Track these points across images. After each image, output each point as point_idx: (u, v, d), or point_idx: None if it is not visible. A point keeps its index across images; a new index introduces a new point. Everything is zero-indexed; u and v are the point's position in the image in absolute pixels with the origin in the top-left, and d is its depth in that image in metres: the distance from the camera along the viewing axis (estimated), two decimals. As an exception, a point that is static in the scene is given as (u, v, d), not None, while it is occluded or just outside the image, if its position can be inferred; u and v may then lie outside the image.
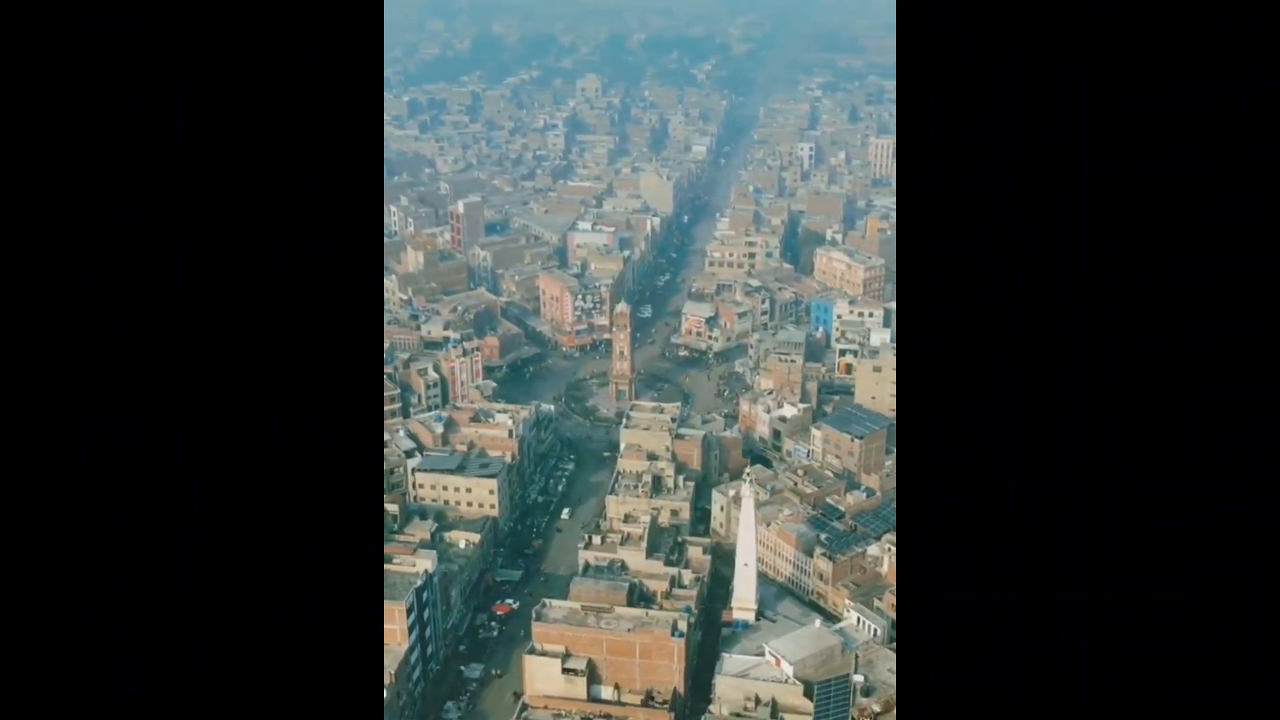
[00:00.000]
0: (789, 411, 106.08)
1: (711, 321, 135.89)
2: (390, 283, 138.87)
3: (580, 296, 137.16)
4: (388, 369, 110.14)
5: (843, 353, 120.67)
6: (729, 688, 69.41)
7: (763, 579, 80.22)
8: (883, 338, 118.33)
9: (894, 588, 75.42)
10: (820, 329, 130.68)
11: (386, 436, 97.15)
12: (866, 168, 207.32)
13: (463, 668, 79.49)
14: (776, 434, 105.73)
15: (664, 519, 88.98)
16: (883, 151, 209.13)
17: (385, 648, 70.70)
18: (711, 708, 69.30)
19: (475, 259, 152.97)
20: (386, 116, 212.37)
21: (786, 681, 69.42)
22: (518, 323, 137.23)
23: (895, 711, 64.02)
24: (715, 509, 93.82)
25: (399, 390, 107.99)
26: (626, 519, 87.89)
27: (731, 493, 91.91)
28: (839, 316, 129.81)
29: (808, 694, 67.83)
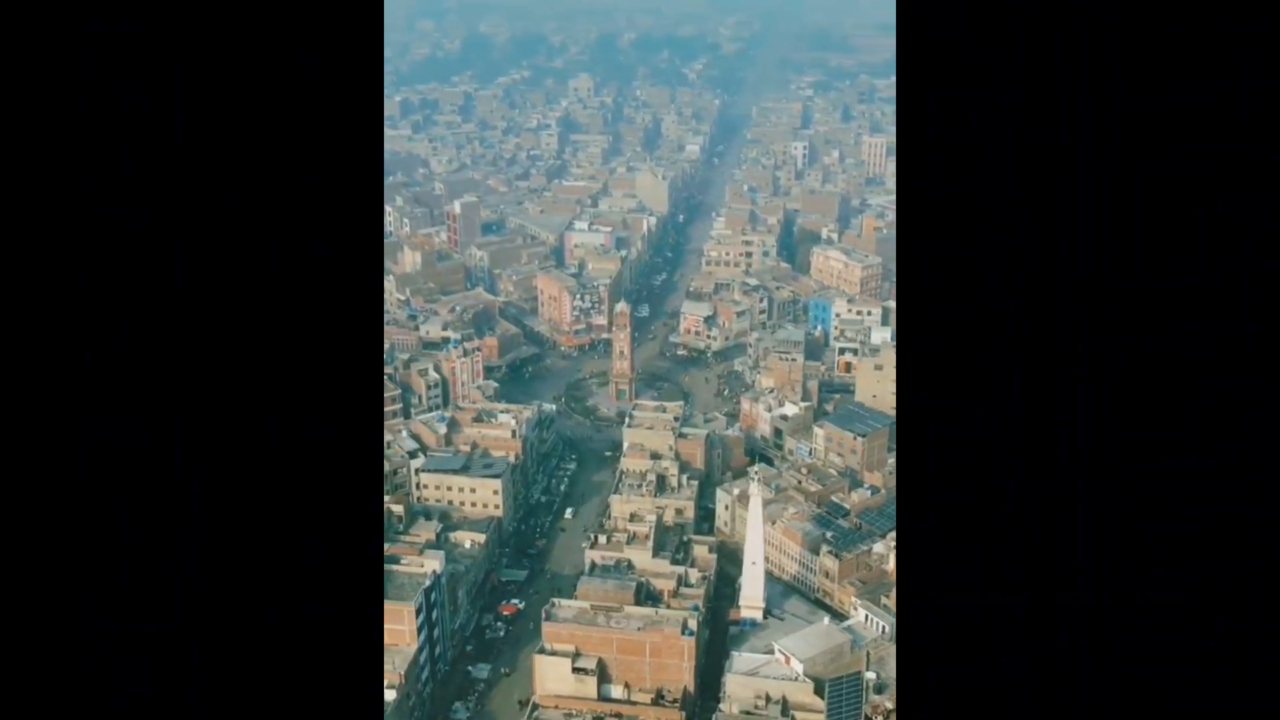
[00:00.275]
0: (790, 410, 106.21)
1: (710, 321, 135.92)
2: (388, 283, 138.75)
3: (579, 296, 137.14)
4: (388, 370, 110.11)
5: (842, 351, 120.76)
6: (739, 686, 69.45)
7: (768, 577, 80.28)
8: (884, 336, 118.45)
9: (897, 586, 75.01)
10: (819, 328, 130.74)
11: (390, 437, 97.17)
12: (860, 166, 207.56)
13: (470, 668, 79.55)
14: (778, 432, 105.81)
15: (668, 518, 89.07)
16: (876, 150, 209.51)
17: (395, 648, 70.93)
18: (722, 706, 69.32)
19: (472, 259, 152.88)
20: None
21: (796, 679, 69.45)
22: (516, 323, 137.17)
23: (895, 711, 64.12)
24: (720, 508, 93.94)
25: (399, 391, 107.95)
26: (632, 518, 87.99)
27: (736, 491, 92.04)
28: (838, 315, 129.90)
29: (818, 692, 67.88)
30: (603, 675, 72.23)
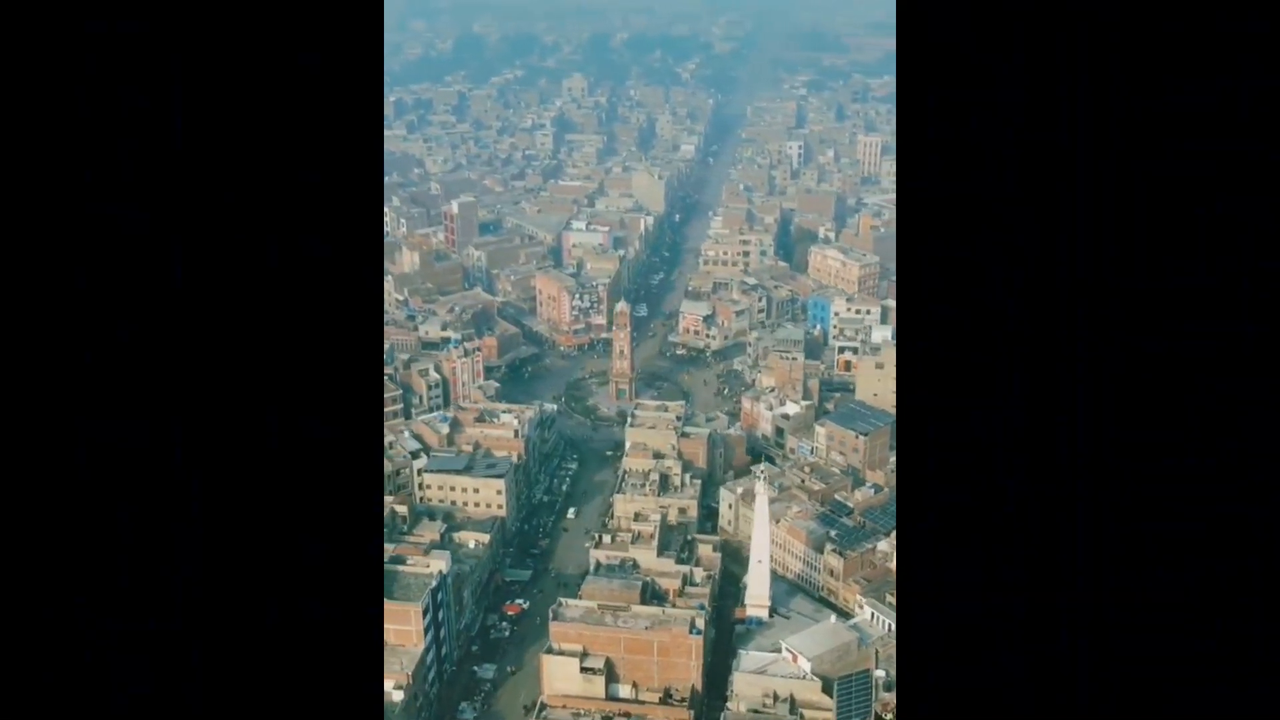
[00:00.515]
0: (791, 409, 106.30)
1: (709, 320, 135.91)
2: (386, 283, 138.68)
3: (577, 296, 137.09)
4: (388, 370, 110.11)
5: (841, 350, 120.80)
6: (746, 684, 69.48)
7: (773, 576, 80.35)
8: (884, 334, 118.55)
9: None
10: (818, 326, 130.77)
11: (392, 438, 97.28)
12: (855, 166, 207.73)
13: (475, 668, 79.57)
14: (779, 431, 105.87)
15: (671, 517, 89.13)
16: (871, 149, 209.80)
17: (402, 649, 71.20)
18: (729, 705, 69.36)
19: (470, 259, 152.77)
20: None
21: (804, 678, 69.50)
22: (514, 322, 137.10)
23: (896, 711, 64.09)
24: (723, 507, 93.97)
25: (400, 391, 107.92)
26: (636, 517, 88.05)
27: (740, 490, 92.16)
28: (836, 314, 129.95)
29: (826, 690, 67.92)
30: (610, 675, 72.30)
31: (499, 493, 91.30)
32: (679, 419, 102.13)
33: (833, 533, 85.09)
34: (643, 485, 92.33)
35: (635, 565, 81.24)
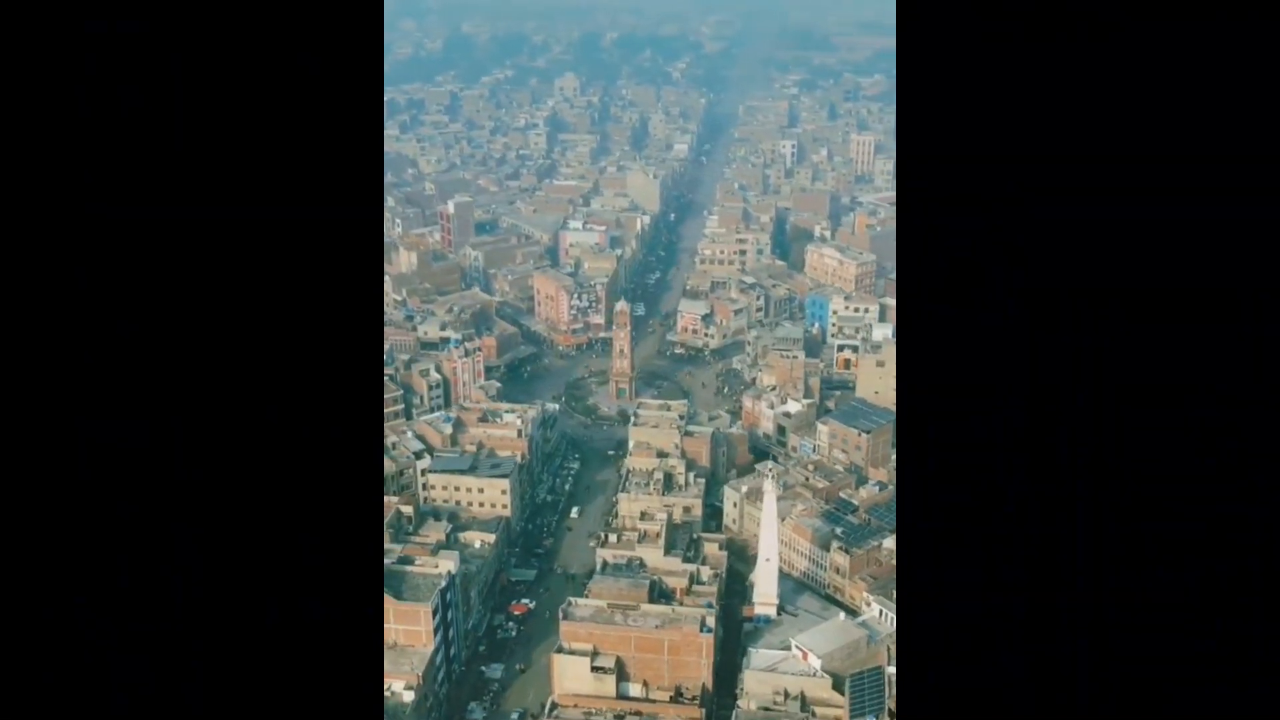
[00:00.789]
0: (793, 407, 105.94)
1: (707, 319, 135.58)
2: (384, 284, 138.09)
3: (576, 295, 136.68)
4: (388, 371, 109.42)
5: (841, 348, 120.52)
6: (757, 682, 69.13)
7: (779, 574, 80.00)
8: (885, 332, 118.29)
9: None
10: (816, 325, 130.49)
11: (395, 439, 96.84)
12: (849, 164, 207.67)
13: (483, 668, 79.24)
14: (781, 430, 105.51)
15: (676, 516, 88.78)
16: (864, 148, 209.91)
17: (411, 649, 71.03)
18: (740, 703, 68.98)
19: (467, 259, 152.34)
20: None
21: (815, 675, 69.16)
22: (512, 322, 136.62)
23: (896, 711, 63.80)
24: (728, 505, 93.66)
25: (401, 392, 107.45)
26: (642, 516, 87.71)
27: (744, 489, 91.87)
28: (835, 312, 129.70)
29: (836, 687, 67.55)
30: (621, 674, 72.05)
31: (504, 492, 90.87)
32: (682, 418, 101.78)
33: (838, 530, 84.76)
34: (647, 484, 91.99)
35: (642, 564, 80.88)
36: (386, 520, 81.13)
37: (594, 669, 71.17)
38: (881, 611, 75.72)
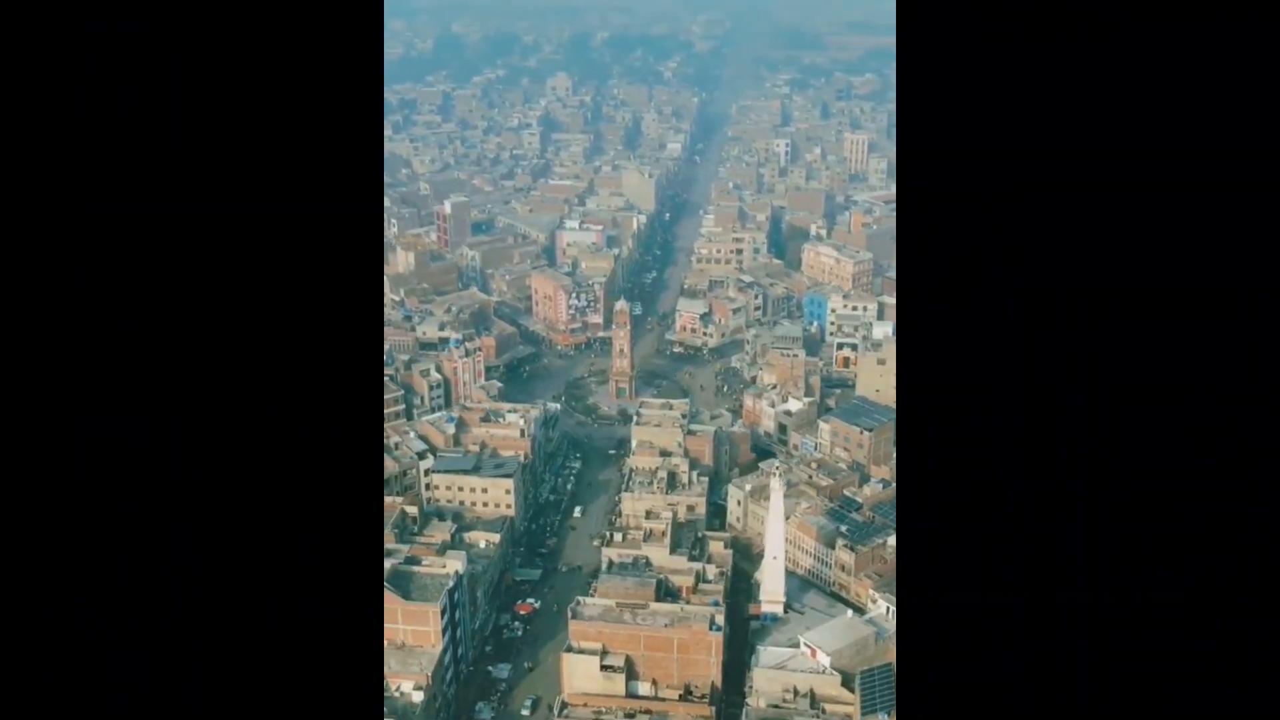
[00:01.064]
0: (794, 405, 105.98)
1: (706, 318, 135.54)
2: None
3: (574, 295, 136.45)
4: (388, 371, 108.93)
5: (840, 346, 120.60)
6: (766, 680, 69.04)
7: (785, 572, 79.91)
8: (885, 330, 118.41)
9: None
10: (814, 323, 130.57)
11: (397, 439, 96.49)
12: (843, 163, 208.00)
13: (490, 668, 78.96)
14: (783, 428, 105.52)
15: (680, 514, 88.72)
16: (858, 147, 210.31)
17: (420, 650, 70.91)
18: (749, 700, 68.89)
19: (464, 259, 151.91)
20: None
21: (824, 672, 69.12)
22: (511, 322, 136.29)
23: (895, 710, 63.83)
24: (732, 503, 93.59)
25: (401, 392, 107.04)
26: (647, 515, 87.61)
27: (748, 487, 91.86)
28: (833, 311, 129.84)
29: (845, 684, 67.53)
30: (630, 672, 71.93)
31: (508, 492, 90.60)
32: (684, 416, 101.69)
33: (843, 528, 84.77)
34: (650, 483, 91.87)
35: (648, 563, 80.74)
36: (391, 521, 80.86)
37: (603, 668, 71.09)
38: (888, 608, 75.82)
